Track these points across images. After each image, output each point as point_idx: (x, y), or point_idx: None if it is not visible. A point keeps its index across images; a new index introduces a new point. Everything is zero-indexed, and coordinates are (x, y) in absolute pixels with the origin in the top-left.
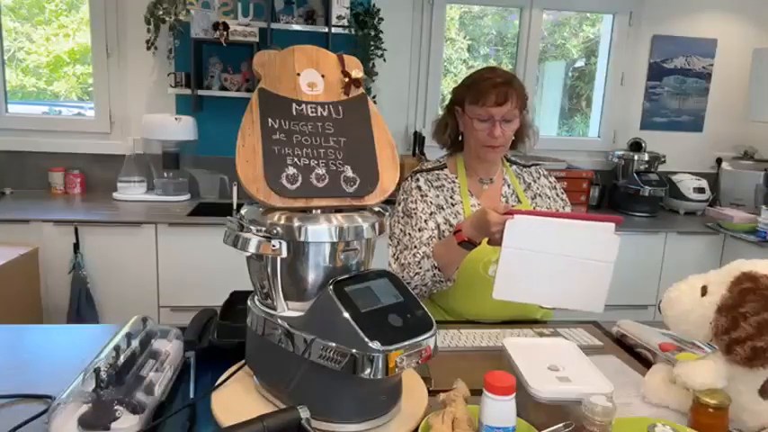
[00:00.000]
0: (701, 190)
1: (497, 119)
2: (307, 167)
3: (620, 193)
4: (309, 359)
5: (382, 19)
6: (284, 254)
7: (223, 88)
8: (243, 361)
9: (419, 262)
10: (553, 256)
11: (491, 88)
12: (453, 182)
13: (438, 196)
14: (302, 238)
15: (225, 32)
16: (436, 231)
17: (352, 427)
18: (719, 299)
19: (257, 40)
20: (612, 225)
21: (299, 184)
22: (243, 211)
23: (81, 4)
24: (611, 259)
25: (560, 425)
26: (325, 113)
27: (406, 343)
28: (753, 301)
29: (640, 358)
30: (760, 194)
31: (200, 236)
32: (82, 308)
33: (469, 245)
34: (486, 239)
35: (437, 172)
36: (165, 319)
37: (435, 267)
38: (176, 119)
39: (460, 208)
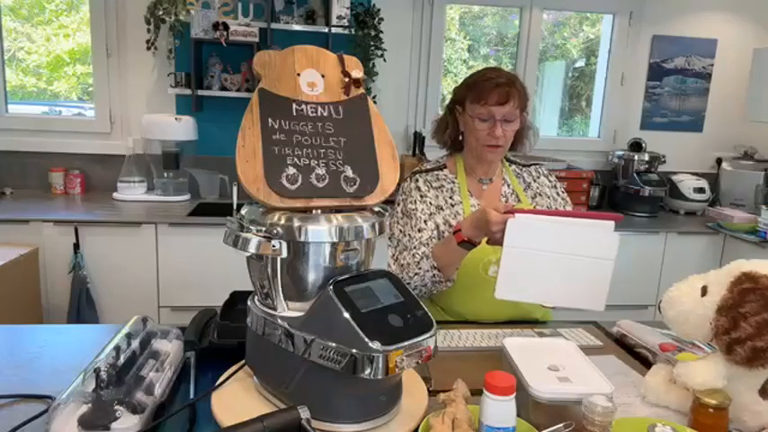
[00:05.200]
0: (701, 190)
1: (498, 118)
2: (307, 167)
3: (620, 193)
4: (309, 359)
5: (382, 19)
6: (284, 254)
7: (223, 88)
8: (243, 361)
9: (418, 262)
10: (554, 255)
11: (493, 88)
12: (453, 182)
13: (437, 197)
14: (302, 239)
15: (225, 32)
16: (436, 232)
17: (352, 427)
18: (719, 299)
19: (257, 40)
20: (612, 223)
21: (299, 184)
22: (243, 211)
23: (81, 3)
24: (612, 257)
25: (560, 425)
26: (325, 113)
27: (406, 343)
28: (753, 301)
29: (640, 358)
30: (760, 194)
31: (200, 236)
32: (82, 308)
33: (469, 245)
34: (486, 239)
35: (436, 172)
36: (165, 319)
37: (435, 268)
38: (176, 119)
39: (460, 208)
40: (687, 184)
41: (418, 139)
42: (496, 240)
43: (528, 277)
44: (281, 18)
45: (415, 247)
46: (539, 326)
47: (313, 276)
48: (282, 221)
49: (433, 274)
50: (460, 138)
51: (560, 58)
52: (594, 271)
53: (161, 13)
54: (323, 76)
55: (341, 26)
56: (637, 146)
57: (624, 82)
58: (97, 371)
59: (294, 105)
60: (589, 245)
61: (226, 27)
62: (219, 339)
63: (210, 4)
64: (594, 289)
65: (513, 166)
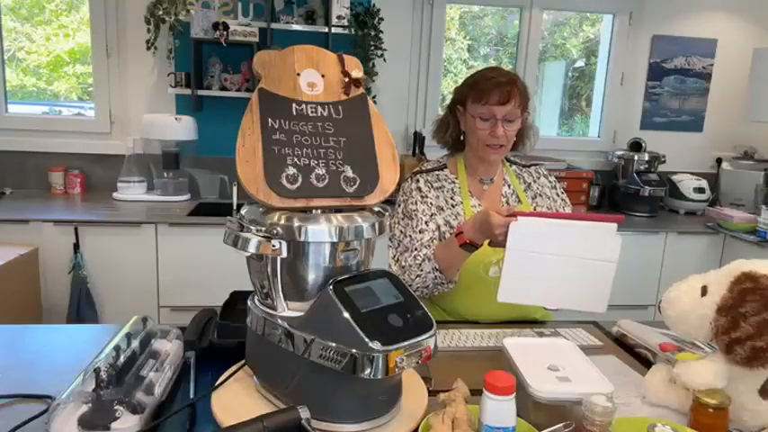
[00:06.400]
0: (700, 190)
1: (499, 118)
2: (307, 167)
3: (620, 193)
4: (309, 359)
5: (382, 19)
6: (284, 254)
7: (223, 88)
8: (243, 361)
9: (420, 264)
10: (557, 258)
11: (494, 87)
12: (453, 182)
13: (438, 197)
14: (302, 238)
15: (225, 32)
16: (437, 233)
17: (352, 427)
18: (719, 299)
19: (257, 40)
20: (615, 225)
21: (299, 184)
22: (243, 211)
23: (81, 4)
24: (614, 259)
25: (560, 425)
26: (325, 113)
27: (406, 343)
28: (753, 301)
29: (640, 358)
30: (760, 194)
31: (201, 236)
32: (82, 308)
33: (471, 247)
34: (488, 241)
35: (437, 173)
36: (165, 319)
37: (437, 269)
38: (176, 119)
39: (461, 209)
40: (687, 183)
41: (418, 139)
42: (499, 243)
43: (530, 280)
44: (281, 18)
45: (416, 249)
46: (539, 326)
47: (313, 276)
48: (282, 221)
49: (435, 276)
50: (461, 138)
51: (560, 58)
52: (597, 273)
53: (161, 12)
54: (323, 76)
55: (341, 26)
56: (637, 146)
57: (624, 82)
58: (97, 371)
59: (294, 105)
60: (591, 247)
61: (226, 27)
62: (219, 339)
63: (210, 3)
64: (597, 291)
65: (514, 167)
